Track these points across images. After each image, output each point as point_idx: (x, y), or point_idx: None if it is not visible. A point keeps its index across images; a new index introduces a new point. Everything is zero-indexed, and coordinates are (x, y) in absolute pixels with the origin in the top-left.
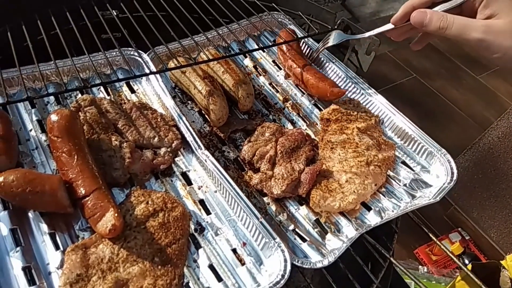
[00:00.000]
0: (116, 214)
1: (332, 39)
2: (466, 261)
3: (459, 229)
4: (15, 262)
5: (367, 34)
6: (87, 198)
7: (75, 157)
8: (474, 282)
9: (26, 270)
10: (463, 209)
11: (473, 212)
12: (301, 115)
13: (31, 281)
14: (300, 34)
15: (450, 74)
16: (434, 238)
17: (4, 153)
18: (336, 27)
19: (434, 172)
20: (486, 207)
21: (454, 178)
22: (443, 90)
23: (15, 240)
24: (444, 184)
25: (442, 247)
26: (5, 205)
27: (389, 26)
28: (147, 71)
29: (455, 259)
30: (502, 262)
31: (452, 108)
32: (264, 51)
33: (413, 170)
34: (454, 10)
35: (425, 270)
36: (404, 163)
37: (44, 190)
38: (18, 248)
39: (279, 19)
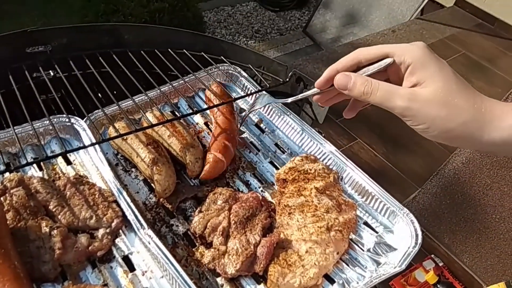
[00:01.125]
0: None
1: (259, 102)
2: None
3: (432, 255)
4: None
5: (289, 100)
6: None
7: None
8: None
9: None
10: (434, 235)
11: (444, 237)
12: (256, 175)
13: None
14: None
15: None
16: None
17: None
18: (288, 79)
19: (398, 233)
20: (456, 232)
21: (419, 241)
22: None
23: None
24: (409, 248)
25: None
26: None
27: (314, 90)
28: (85, 139)
29: None
30: None
31: (416, 132)
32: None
33: (376, 232)
34: (380, 76)
35: None
36: (366, 223)
37: None
38: None
39: (230, 71)
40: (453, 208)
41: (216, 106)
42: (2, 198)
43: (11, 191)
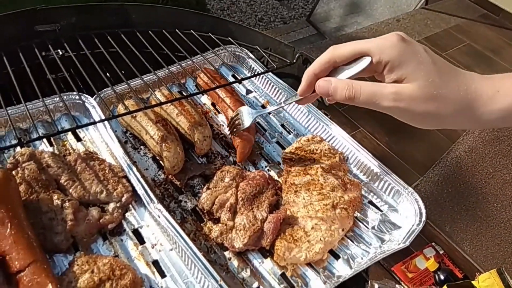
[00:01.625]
0: None
1: (246, 120)
2: (442, 277)
3: (433, 243)
4: None
5: (270, 109)
6: (22, 274)
7: (8, 225)
8: None
9: None
10: (435, 224)
11: (445, 226)
12: (263, 154)
13: None
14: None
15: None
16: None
17: None
18: (295, 60)
19: (403, 211)
20: (457, 220)
21: (423, 219)
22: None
23: None
24: (413, 225)
25: None
26: None
27: (297, 97)
28: (94, 116)
29: None
30: (473, 282)
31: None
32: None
33: (380, 211)
34: (361, 75)
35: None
36: (371, 202)
37: None
38: None
39: (237, 53)
40: (454, 197)
41: (224, 85)
42: (14, 172)
43: (23, 165)
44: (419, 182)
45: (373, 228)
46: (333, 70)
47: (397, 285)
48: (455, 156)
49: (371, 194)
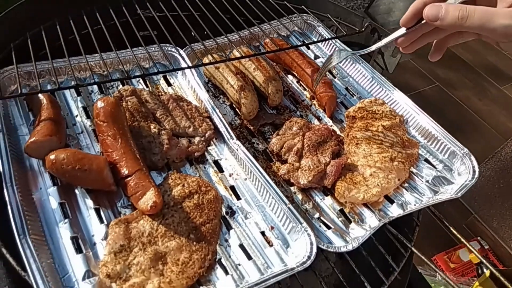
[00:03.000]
0: (156, 193)
1: (335, 58)
2: (485, 269)
3: (478, 238)
4: (64, 232)
5: (374, 47)
6: (129, 178)
7: (119, 140)
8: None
9: (74, 240)
10: (483, 218)
11: (493, 221)
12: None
13: (78, 249)
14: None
15: (473, 84)
16: (460, 237)
17: (56, 134)
18: (363, 30)
19: (456, 170)
20: (506, 217)
21: (476, 175)
22: (466, 100)
23: (63, 212)
24: (466, 181)
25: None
26: (54, 181)
27: (399, 32)
28: (184, 65)
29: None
30: None
31: (475, 118)
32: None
33: (435, 168)
34: (468, 3)
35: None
36: (427, 160)
37: (91, 168)
38: (66, 220)
39: (308, 21)
40: (505, 192)
41: (296, 46)
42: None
43: (126, 98)
44: None
45: (427, 181)
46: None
47: (437, 273)
48: (510, 151)
49: (428, 153)
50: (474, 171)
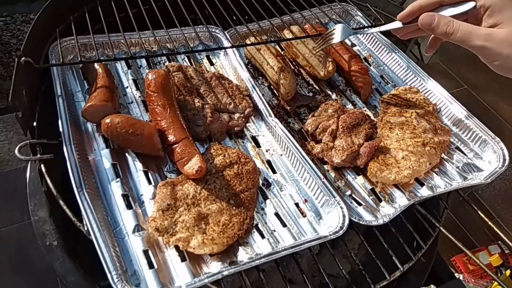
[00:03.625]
0: (201, 159)
1: (338, 35)
2: (503, 270)
3: (499, 242)
4: (116, 190)
5: (372, 30)
6: (176, 145)
7: (168, 110)
8: None
9: (124, 197)
10: (505, 222)
11: None
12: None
13: (128, 206)
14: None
15: (502, 89)
16: (493, 226)
17: (111, 100)
18: None
19: (487, 158)
20: None
21: (506, 163)
22: (494, 104)
23: (115, 172)
24: (495, 168)
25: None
26: (107, 144)
27: (395, 24)
28: (228, 46)
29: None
30: None
31: (502, 123)
32: None
33: (466, 155)
34: (460, 16)
35: (461, 278)
36: (458, 148)
37: (143, 133)
38: (118, 179)
39: (348, 9)
40: None
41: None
42: None
43: (173, 74)
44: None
45: (457, 167)
46: (435, 9)
47: (456, 274)
48: None
49: (459, 142)
50: (504, 159)
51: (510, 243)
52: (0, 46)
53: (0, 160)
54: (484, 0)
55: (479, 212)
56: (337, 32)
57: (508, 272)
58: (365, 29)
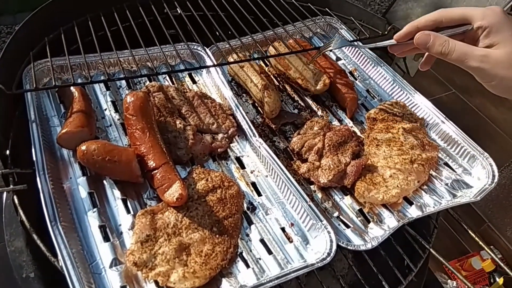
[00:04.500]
0: (182, 186)
1: (334, 44)
2: (497, 278)
3: (491, 247)
4: (92, 221)
5: (369, 46)
6: (156, 171)
7: (147, 134)
8: None
9: (102, 229)
10: (496, 227)
11: (507, 230)
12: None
13: (105, 238)
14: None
15: (490, 92)
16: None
17: (87, 125)
18: (386, 33)
19: (476, 174)
20: None
21: (495, 180)
22: (482, 107)
23: (92, 202)
24: (485, 185)
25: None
26: (84, 171)
27: (392, 41)
28: (209, 63)
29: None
30: None
31: (491, 126)
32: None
33: (455, 171)
34: (456, 36)
35: (454, 284)
36: (446, 164)
37: (120, 160)
38: (94, 209)
39: (331, 23)
40: None
41: (313, 49)
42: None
43: (153, 94)
44: None
45: (446, 185)
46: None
47: (449, 280)
48: None
49: (447, 157)
50: (493, 176)
51: (491, 254)
52: None
53: None
54: (482, 21)
55: (463, 224)
56: (334, 42)
57: (501, 280)
58: (362, 44)
